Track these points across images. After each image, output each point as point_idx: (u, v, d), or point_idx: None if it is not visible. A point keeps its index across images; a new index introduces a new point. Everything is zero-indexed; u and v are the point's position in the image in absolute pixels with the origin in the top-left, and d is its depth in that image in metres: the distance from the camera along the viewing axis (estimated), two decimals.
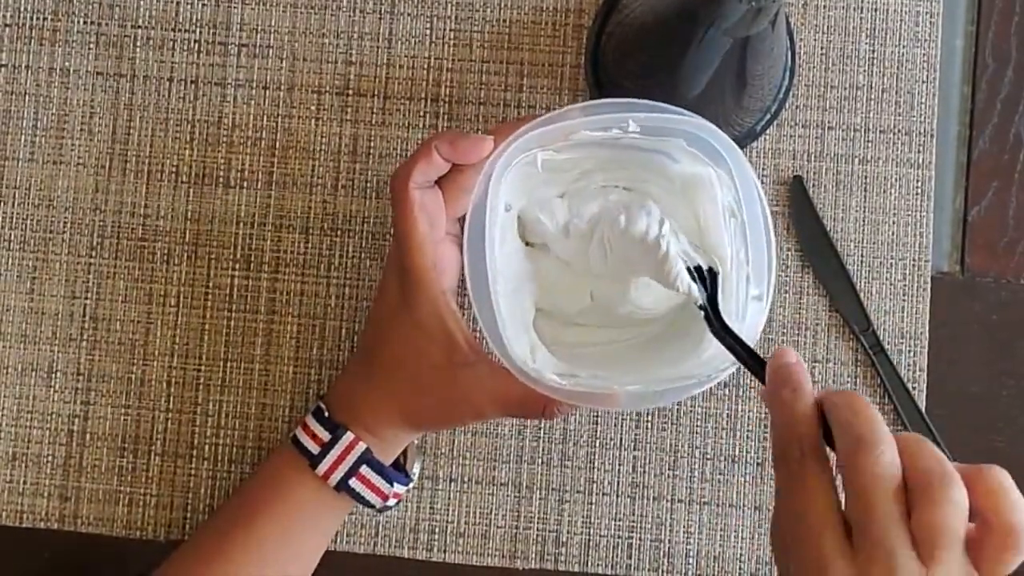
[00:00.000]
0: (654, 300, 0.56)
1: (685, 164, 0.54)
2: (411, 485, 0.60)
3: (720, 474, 0.62)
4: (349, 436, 0.55)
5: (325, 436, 0.55)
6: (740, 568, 0.61)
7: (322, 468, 0.55)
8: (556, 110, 0.53)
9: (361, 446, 0.55)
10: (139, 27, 0.65)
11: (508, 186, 0.54)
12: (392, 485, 0.56)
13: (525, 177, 0.55)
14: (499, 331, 0.51)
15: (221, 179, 0.64)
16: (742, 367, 0.49)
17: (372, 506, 0.57)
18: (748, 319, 0.51)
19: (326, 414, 0.56)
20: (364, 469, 0.55)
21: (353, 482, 0.55)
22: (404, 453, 0.59)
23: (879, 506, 0.39)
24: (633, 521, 0.62)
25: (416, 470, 0.61)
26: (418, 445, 0.62)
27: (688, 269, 0.52)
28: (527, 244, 0.58)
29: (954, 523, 0.38)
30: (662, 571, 0.61)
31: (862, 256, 0.62)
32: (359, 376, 0.56)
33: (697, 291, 0.52)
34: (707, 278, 0.52)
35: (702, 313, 0.51)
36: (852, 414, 0.41)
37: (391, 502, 0.57)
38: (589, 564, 0.62)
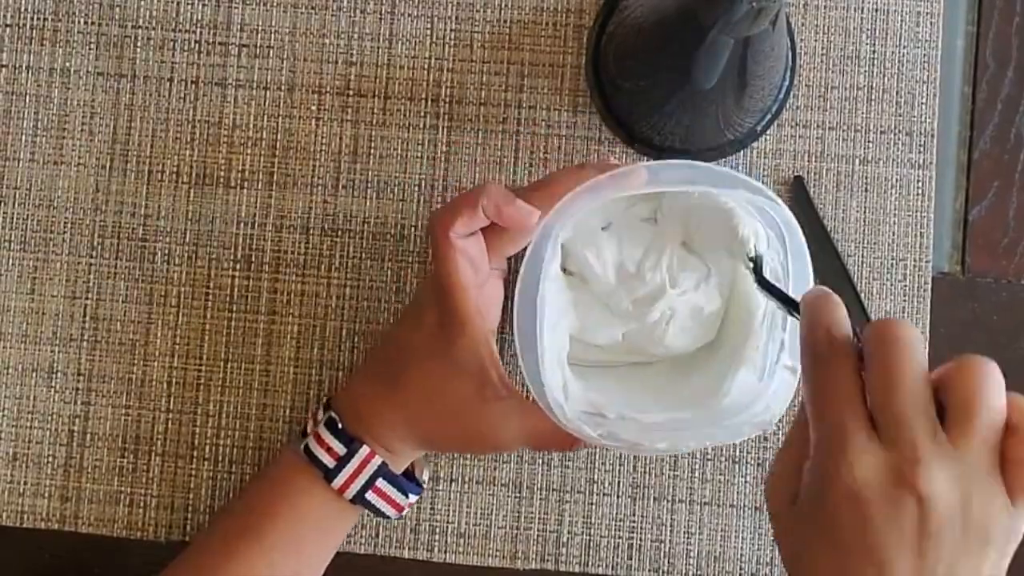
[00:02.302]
0: (687, 343, 0.57)
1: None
2: (422, 493, 0.60)
3: (721, 475, 0.62)
4: (365, 450, 0.54)
5: (341, 450, 0.54)
6: (741, 569, 0.61)
7: (338, 482, 0.54)
8: (617, 168, 0.51)
9: (377, 460, 0.54)
10: (140, 27, 0.65)
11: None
12: (407, 496, 0.56)
13: None
14: (540, 378, 0.50)
15: (222, 179, 0.64)
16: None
17: (387, 517, 0.56)
18: (775, 386, 0.52)
19: (340, 426, 0.55)
20: (380, 482, 0.55)
21: (370, 495, 0.55)
22: (413, 462, 0.59)
23: (904, 386, 0.38)
24: (634, 522, 0.62)
25: (425, 477, 0.60)
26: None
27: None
28: (565, 271, 0.57)
29: (988, 403, 0.38)
30: (663, 572, 0.61)
31: (863, 256, 0.62)
32: (378, 394, 0.55)
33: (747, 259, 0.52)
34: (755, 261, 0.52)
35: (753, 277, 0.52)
36: (886, 325, 0.40)
37: (405, 512, 0.57)
38: (590, 564, 0.62)
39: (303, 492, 0.55)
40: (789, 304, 0.47)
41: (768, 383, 0.52)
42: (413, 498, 0.57)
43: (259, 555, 0.54)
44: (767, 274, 0.52)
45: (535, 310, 0.50)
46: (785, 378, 0.52)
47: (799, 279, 0.52)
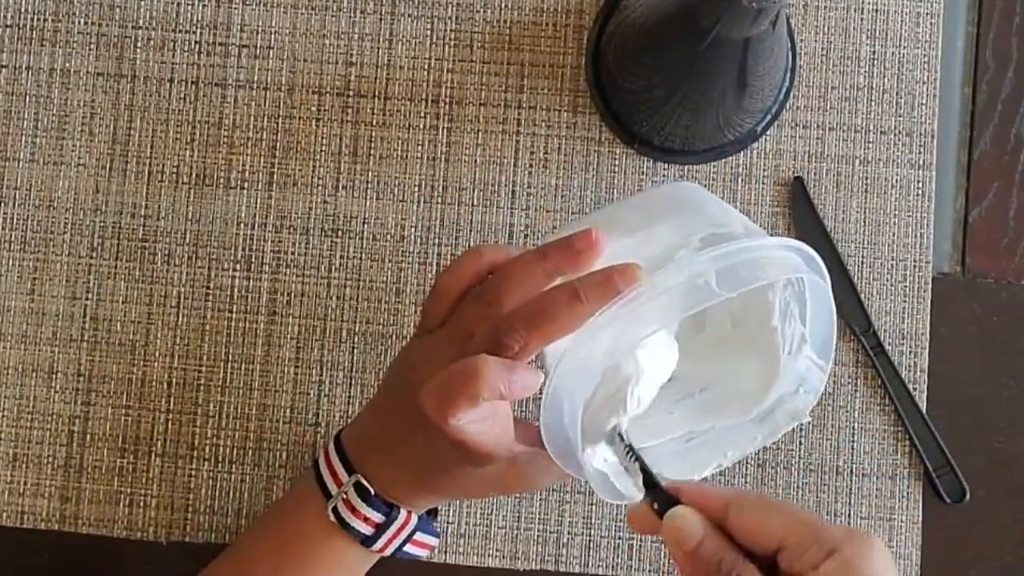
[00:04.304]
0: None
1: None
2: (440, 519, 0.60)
3: (720, 475, 0.62)
4: (403, 515, 0.52)
5: (379, 519, 0.52)
6: None
7: (377, 546, 0.53)
8: (621, 291, 0.44)
9: (414, 519, 0.53)
10: (139, 28, 0.65)
11: None
12: (436, 536, 0.56)
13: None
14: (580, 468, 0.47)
15: (222, 180, 0.64)
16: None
17: (420, 558, 0.56)
18: (802, 372, 0.50)
19: (372, 492, 0.51)
20: (418, 535, 0.54)
21: (408, 547, 0.54)
22: None
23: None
24: None
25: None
26: None
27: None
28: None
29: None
30: (662, 572, 0.61)
31: (863, 257, 0.62)
32: (403, 470, 0.52)
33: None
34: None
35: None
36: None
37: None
38: (590, 565, 0.62)
39: (338, 554, 0.53)
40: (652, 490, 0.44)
41: (794, 367, 0.49)
42: (438, 529, 0.56)
43: None
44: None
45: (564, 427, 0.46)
46: (813, 369, 0.49)
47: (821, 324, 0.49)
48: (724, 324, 0.54)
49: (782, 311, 0.50)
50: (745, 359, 0.52)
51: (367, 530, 0.52)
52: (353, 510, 0.52)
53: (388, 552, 0.53)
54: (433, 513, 0.57)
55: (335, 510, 0.52)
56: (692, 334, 0.54)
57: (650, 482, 0.45)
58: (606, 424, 0.48)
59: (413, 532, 0.53)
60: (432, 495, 0.53)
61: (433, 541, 0.55)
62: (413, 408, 0.46)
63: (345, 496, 0.52)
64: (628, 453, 0.47)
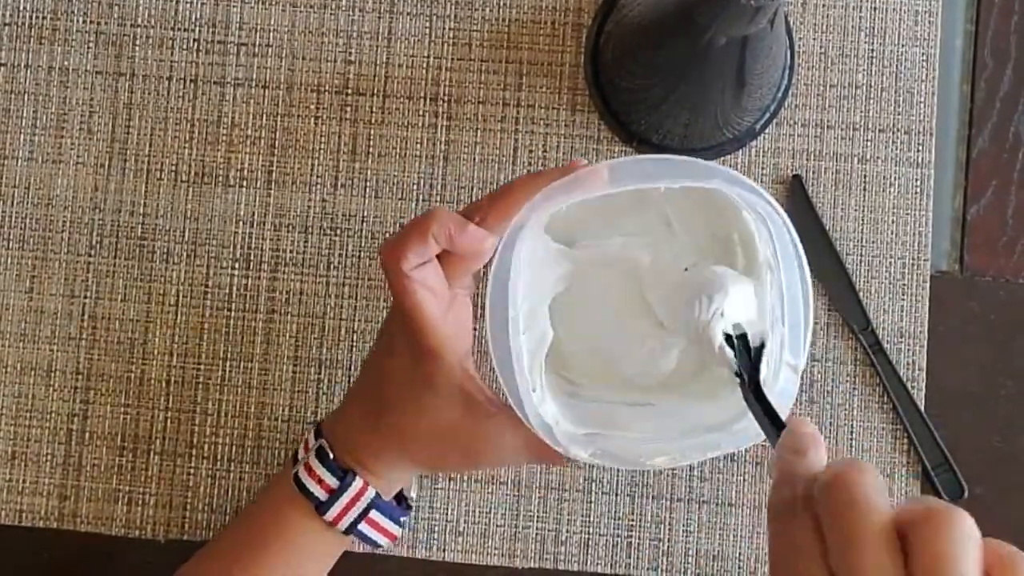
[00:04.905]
0: (669, 367, 0.54)
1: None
2: (411, 514, 0.60)
3: (719, 473, 0.62)
4: (359, 483, 0.53)
5: (333, 482, 0.53)
6: (739, 567, 0.61)
7: (331, 515, 0.53)
8: (580, 167, 0.49)
9: (371, 492, 0.53)
10: (138, 26, 0.65)
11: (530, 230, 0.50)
12: (399, 525, 0.56)
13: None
14: (524, 403, 0.49)
15: (220, 178, 0.64)
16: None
17: (379, 546, 0.56)
18: (780, 384, 0.50)
19: (331, 456, 0.53)
20: (374, 513, 0.54)
21: (363, 526, 0.54)
22: None
23: (865, 551, 0.35)
24: (632, 520, 0.62)
25: (414, 494, 0.60)
26: None
27: (727, 336, 0.49)
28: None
29: (959, 570, 0.33)
30: (661, 570, 0.61)
31: (861, 255, 0.62)
32: (367, 422, 0.54)
33: (733, 358, 0.49)
34: (751, 350, 0.49)
35: (738, 381, 0.49)
36: (837, 485, 0.37)
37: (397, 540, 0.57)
38: (588, 563, 0.62)
39: (295, 525, 0.54)
40: (776, 427, 0.45)
41: (773, 384, 0.50)
42: (403, 519, 0.56)
43: None
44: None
45: (507, 335, 0.49)
46: (788, 376, 0.50)
47: (789, 271, 0.50)
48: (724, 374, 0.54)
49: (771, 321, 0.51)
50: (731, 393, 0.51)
51: (321, 494, 0.53)
52: (310, 471, 0.53)
53: (343, 525, 0.54)
54: (403, 502, 0.57)
55: (296, 475, 0.54)
56: (688, 376, 0.55)
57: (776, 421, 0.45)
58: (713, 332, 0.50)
59: (369, 507, 0.54)
60: (420, 461, 0.54)
61: (394, 528, 0.55)
62: (389, 362, 0.52)
63: (307, 461, 0.54)
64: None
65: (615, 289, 0.55)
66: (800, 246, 0.50)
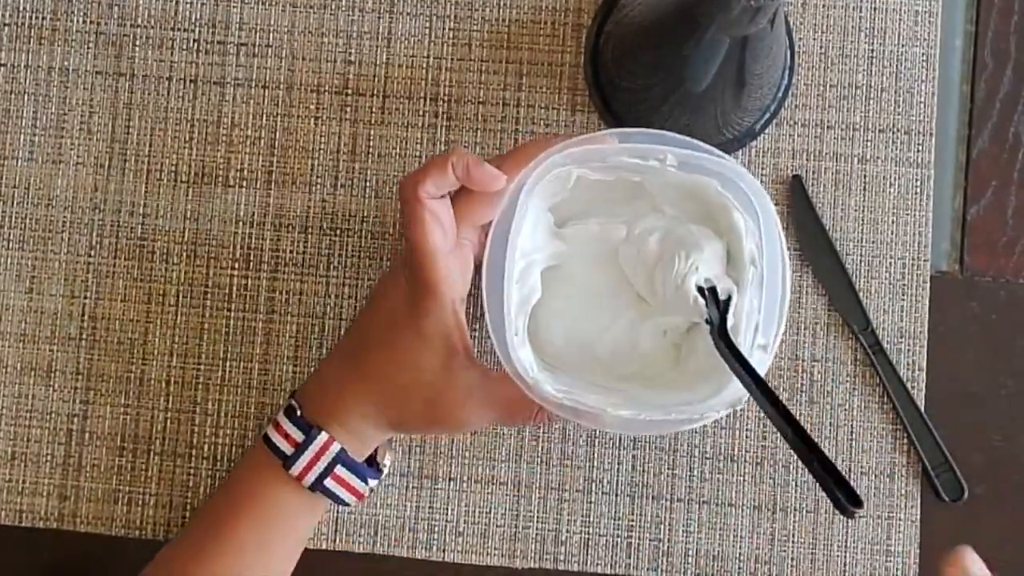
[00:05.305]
0: (644, 348, 0.57)
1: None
2: (382, 477, 0.60)
3: (719, 473, 0.62)
4: (323, 436, 0.55)
5: (299, 436, 0.55)
6: (739, 567, 0.61)
7: (296, 469, 0.55)
8: (589, 133, 0.54)
9: (336, 446, 0.55)
10: (138, 26, 0.65)
11: (537, 197, 0.54)
12: (367, 483, 0.56)
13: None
14: (506, 340, 0.51)
15: (220, 178, 0.64)
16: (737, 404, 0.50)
17: (347, 504, 0.57)
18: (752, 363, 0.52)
19: (299, 413, 0.55)
20: (339, 469, 0.55)
21: (328, 482, 0.55)
22: (377, 447, 0.59)
23: None
24: (632, 520, 0.62)
25: (387, 462, 0.60)
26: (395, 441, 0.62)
27: (700, 288, 0.53)
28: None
29: None
30: (661, 570, 0.61)
31: (861, 255, 0.62)
32: (343, 375, 0.56)
33: (704, 307, 0.53)
34: (720, 302, 0.53)
35: (708, 328, 0.52)
36: None
37: (365, 498, 0.57)
38: (588, 563, 0.62)
39: (267, 485, 0.55)
40: (757, 387, 0.48)
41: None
42: (372, 483, 0.57)
43: (227, 554, 0.55)
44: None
45: (503, 272, 0.52)
46: (759, 358, 0.52)
47: (772, 260, 0.52)
48: (700, 357, 0.56)
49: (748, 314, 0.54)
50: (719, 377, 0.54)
51: (287, 448, 0.55)
52: (278, 427, 0.55)
53: (308, 480, 0.55)
54: (374, 464, 0.58)
55: (265, 434, 0.56)
56: (664, 367, 0.57)
57: (753, 374, 0.49)
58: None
59: (335, 461, 0.55)
60: (388, 415, 0.55)
61: (361, 486, 0.56)
62: (383, 303, 0.55)
63: (275, 418, 0.56)
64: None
65: (597, 267, 0.58)
66: (783, 236, 0.53)
